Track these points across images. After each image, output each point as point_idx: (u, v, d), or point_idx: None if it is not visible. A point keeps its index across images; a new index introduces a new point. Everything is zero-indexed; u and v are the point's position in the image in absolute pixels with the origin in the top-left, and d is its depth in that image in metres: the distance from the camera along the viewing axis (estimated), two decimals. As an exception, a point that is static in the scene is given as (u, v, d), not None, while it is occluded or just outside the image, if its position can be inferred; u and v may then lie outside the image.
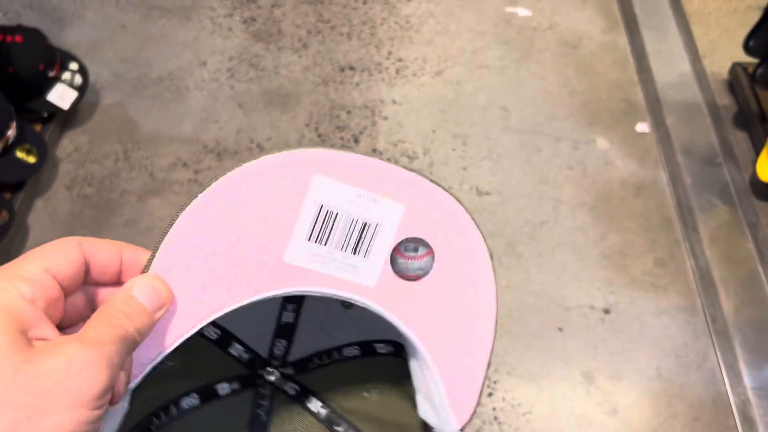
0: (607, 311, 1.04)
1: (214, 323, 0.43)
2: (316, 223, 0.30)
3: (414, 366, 0.35)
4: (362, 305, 0.31)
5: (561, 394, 0.96)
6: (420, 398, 0.36)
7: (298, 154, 0.29)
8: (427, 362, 0.32)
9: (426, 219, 0.31)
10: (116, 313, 0.24)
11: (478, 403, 0.33)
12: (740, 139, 1.23)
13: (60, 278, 0.25)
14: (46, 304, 0.24)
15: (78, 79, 1.19)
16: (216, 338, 0.45)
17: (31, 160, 1.08)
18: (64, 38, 1.35)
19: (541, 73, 1.33)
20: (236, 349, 0.46)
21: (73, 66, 1.19)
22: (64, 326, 0.27)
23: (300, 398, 0.45)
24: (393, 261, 0.31)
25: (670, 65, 1.35)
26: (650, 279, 1.08)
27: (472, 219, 0.32)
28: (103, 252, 0.27)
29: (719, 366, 1.01)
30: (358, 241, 0.30)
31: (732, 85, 1.30)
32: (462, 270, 0.32)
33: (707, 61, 1.34)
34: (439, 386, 0.33)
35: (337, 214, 0.30)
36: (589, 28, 1.42)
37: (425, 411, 0.36)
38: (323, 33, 1.39)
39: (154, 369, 0.40)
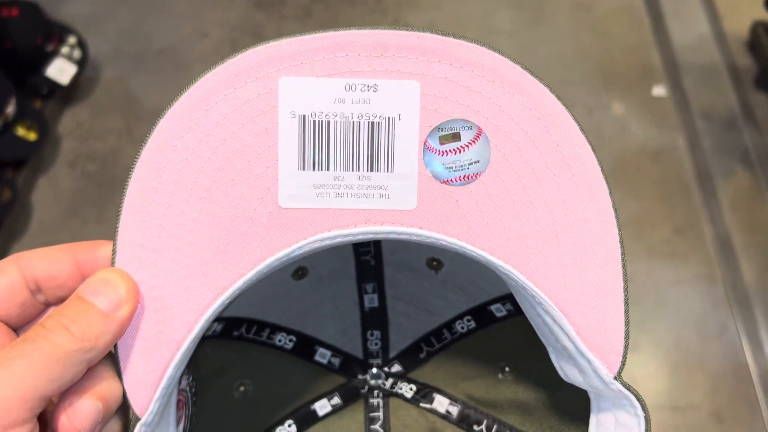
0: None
1: (285, 329, 0.36)
2: (304, 143, 0.22)
3: (530, 314, 0.26)
4: (408, 238, 0.23)
5: (577, 367, 0.94)
6: (554, 357, 0.27)
7: (247, 56, 0.21)
8: (533, 293, 0.23)
9: (457, 90, 0.22)
10: (46, 322, 0.20)
11: (628, 334, 0.23)
12: (761, 102, 1.19)
13: None
14: None
15: (77, 53, 1.16)
16: (293, 346, 0.37)
17: (32, 137, 1.06)
18: (62, 11, 1.31)
19: (553, 37, 1.29)
20: (323, 355, 0.38)
21: (72, 40, 1.16)
22: None
23: (420, 399, 0.36)
24: (429, 163, 0.23)
25: (687, 26, 1.30)
26: (668, 248, 1.05)
27: (524, 68, 0.22)
28: (49, 262, 0.23)
29: (739, 336, 0.98)
30: (372, 152, 0.22)
31: (753, 45, 1.25)
32: (538, 145, 0.23)
33: (726, 21, 1.29)
34: (565, 326, 0.23)
35: (328, 122, 0.22)
36: (603, -11, 1.37)
37: (565, 370, 0.26)
38: (327, 0, 1.35)
39: (230, 399, 0.33)
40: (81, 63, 1.16)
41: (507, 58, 0.23)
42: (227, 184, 0.22)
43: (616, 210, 0.25)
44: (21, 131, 1.05)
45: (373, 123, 0.22)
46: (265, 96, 0.22)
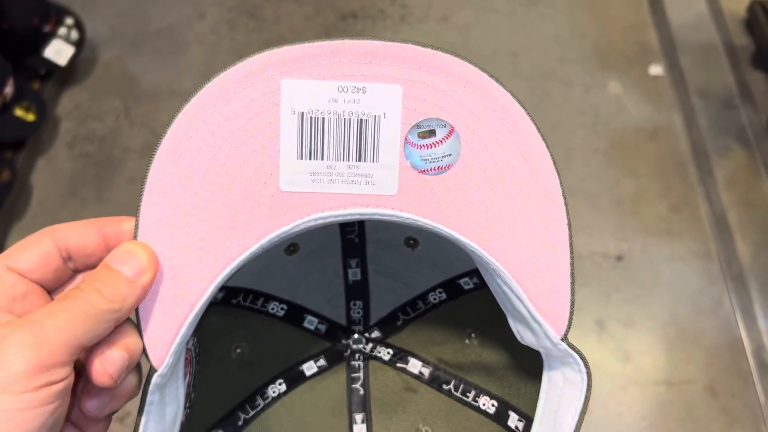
0: (619, 258, 1.03)
1: (277, 298, 0.40)
2: (302, 136, 0.25)
3: (493, 286, 0.30)
4: (390, 219, 0.27)
5: (574, 342, 0.95)
6: (512, 322, 0.31)
7: (253, 61, 0.25)
8: (494, 267, 0.27)
9: (433, 93, 0.26)
10: (83, 285, 0.23)
11: (573, 303, 0.27)
12: (758, 80, 1.19)
13: (25, 272, 0.25)
14: (7, 301, 0.24)
15: (74, 34, 1.16)
16: (284, 314, 0.41)
17: (31, 118, 1.06)
18: (59, -7, 1.31)
19: (551, 16, 1.29)
20: (311, 322, 0.42)
21: (69, 21, 1.16)
22: None
23: (396, 362, 0.41)
24: (409, 155, 0.26)
25: (685, 5, 1.30)
26: (664, 225, 1.06)
27: (490, 75, 0.26)
28: (79, 234, 0.26)
29: (734, 311, 0.99)
30: (360, 144, 0.26)
31: (750, 23, 1.25)
32: (501, 142, 0.26)
33: (724, 0, 1.29)
34: (520, 295, 0.27)
35: (323, 118, 0.25)
36: (601, -32, 1.37)
37: (521, 334, 0.30)
38: (324, -19, 1.35)
39: (227, 360, 0.38)
40: (78, 44, 1.16)
41: (477, 67, 0.27)
42: (235, 170, 0.25)
43: (565, 198, 0.28)
44: (19, 112, 1.05)
45: (361, 120, 0.26)
46: (269, 95, 0.25)
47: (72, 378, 0.22)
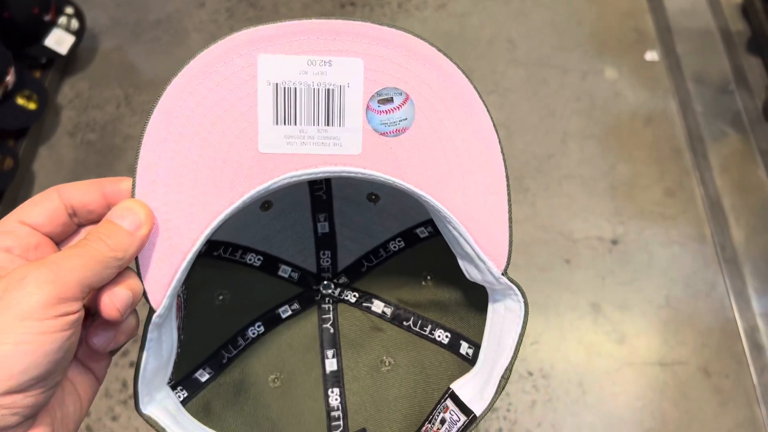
0: (615, 242, 1.04)
1: (254, 250, 0.45)
2: (277, 104, 0.28)
3: (444, 231, 0.34)
4: (355, 176, 0.30)
5: (568, 324, 0.97)
6: (461, 263, 0.35)
7: (233, 38, 0.28)
8: (445, 215, 0.31)
9: (390, 65, 0.29)
10: (90, 236, 0.26)
11: (511, 243, 0.31)
12: (754, 65, 1.20)
13: (36, 225, 0.27)
14: (22, 250, 0.27)
15: (75, 24, 1.17)
16: (261, 264, 0.46)
17: (32, 106, 1.07)
18: (59, -17, 1.32)
19: (547, 3, 1.29)
20: (284, 271, 0.46)
21: (69, 10, 1.17)
22: None
23: (362, 303, 0.46)
24: (371, 120, 0.30)
25: (681, -9, 1.30)
26: (659, 209, 1.07)
27: (438, 49, 0.29)
28: (83, 193, 0.28)
29: (728, 293, 1.00)
30: (328, 111, 0.29)
31: (746, 9, 1.25)
32: (448, 107, 0.30)
33: (721, -15, 1.30)
34: (467, 237, 0.31)
35: (295, 88, 0.28)
36: (598, -46, 1.37)
37: (469, 272, 0.35)
38: (322, -31, 1.35)
39: (211, 305, 0.43)
40: (79, 33, 1.17)
41: (427, 42, 0.29)
42: (219, 135, 0.29)
43: (503, 154, 0.31)
44: (21, 101, 1.06)
45: (328, 89, 0.29)
46: (247, 68, 0.28)
47: (82, 313, 0.25)
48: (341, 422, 0.43)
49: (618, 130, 1.14)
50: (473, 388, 0.35)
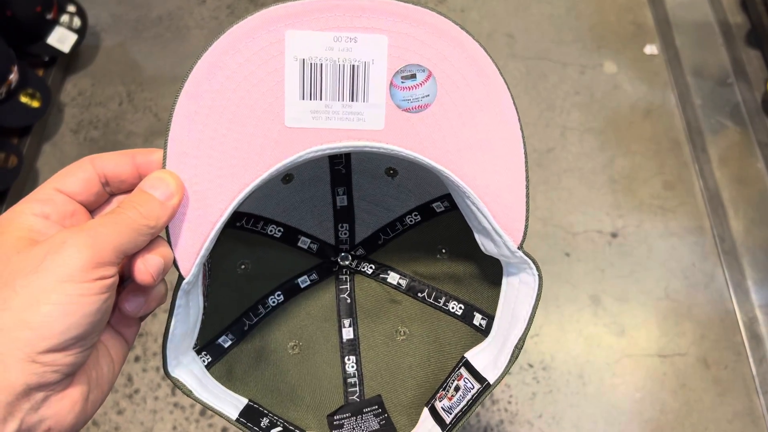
0: (614, 235, 1.05)
1: (275, 221, 0.46)
2: (303, 80, 0.29)
3: (462, 206, 0.35)
4: (378, 150, 0.31)
5: (568, 317, 0.98)
6: (478, 236, 0.36)
7: (262, 14, 0.28)
8: (464, 190, 0.32)
9: (414, 42, 0.29)
10: (124, 204, 0.27)
11: (528, 218, 0.32)
12: (753, 58, 1.20)
13: (72, 194, 0.28)
14: (59, 217, 0.28)
15: (77, 22, 1.17)
16: (281, 235, 0.47)
17: (35, 104, 1.08)
18: (61, -19, 1.33)
19: (546, -3, 1.30)
20: (304, 242, 0.47)
21: (71, 8, 1.18)
22: None
23: (378, 275, 0.47)
24: (394, 96, 0.30)
25: (680, -16, 1.31)
26: (658, 202, 1.08)
27: (461, 27, 0.30)
28: (115, 163, 0.29)
29: (727, 285, 1.01)
30: (353, 87, 0.30)
31: (745, 2, 1.26)
32: (470, 84, 0.30)
33: (720, -22, 1.30)
34: (485, 212, 0.32)
35: (321, 64, 0.29)
36: (597, -52, 1.37)
37: (485, 245, 0.36)
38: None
39: (234, 274, 0.44)
40: (81, 31, 1.17)
41: (450, 20, 0.30)
42: (248, 109, 0.29)
43: (522, 131, 0.32)
44: (24, 99, 1.07)
45: (353, 65, 0.29)
46: (274, 44, 0.29)
47: (117, 278, 0.26)
48: (357, 388, 0.44)
49: (617, 124, 1.15)
50: (487, 357, 0.36)
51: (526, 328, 0.34)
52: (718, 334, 0.98)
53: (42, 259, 0.24)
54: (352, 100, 0.30)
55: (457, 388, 0.37)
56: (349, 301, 0.46)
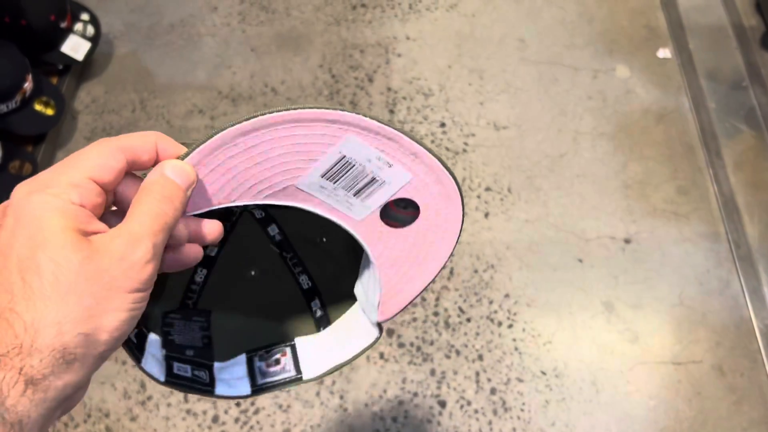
0: (627, 241, 1.04)
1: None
2: (334, 167, 0.35)
3: (367, 265, 0.41)
4: (342, 227, 0.37)
5: (581, 324, 0.97)
6: (358, 288, 0.43)
7: (340, 114, 0.33)
8: (377, 274, 0.39)
9: (425, 191, 0.37)
10: (156, 199, 0.29)
11: (395, 316, 0.40)
12: (767, 61, 1.19)
13: (102, 183, 0.29)
14: (91, 206, 0.28)
15: (90, 30, 1.18)
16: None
17: (50, 112, 1.09)
18: (74, -11, 1.34)
19: (558, 1, 1.29)
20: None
21: (85, 16, 1.19)
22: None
23: (263, 222, 0.51)
24: (384, 209, 0.36)
25: (694, -13, 1.30)
26: (672, 207, 1.07)
27: (461, 196, 0.37)
28: (140, 146, 0.31)
29: (743, 291, 1.00)
30: (362, 189, 0.36)
31: (759, 4, 1.24)
32: (434, 231, 0.38)
33: (734, -20, 1.29)
34: (378, 289, 0.40)
35: (354, 165, 0.35)
36: (609, -49, 1.37)
37: (358, 292, 0.43)
38: (333, -29, 1.36)
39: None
40: (94, 39, 1.18)
41: (458, 185, 0.37)
42: (278, 163, 0.34)
43: (453, 255, 0.35)
44: (39, 107, 1.08)
45: (374, 178, 0.36)
46: (329, 137, 0.34)
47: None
48: (195, 296, 0.48)
49: (630, 128, 1.14)
50: (311, 354, 0.44)
51: (348, 362, 0.42)
52: (734, 341, 0.96)
53: (115, 274, 0.27)
54: (355, 196, 0.36)
55: (277, 361, 0.44)
56: (228, 228, 0.50)
